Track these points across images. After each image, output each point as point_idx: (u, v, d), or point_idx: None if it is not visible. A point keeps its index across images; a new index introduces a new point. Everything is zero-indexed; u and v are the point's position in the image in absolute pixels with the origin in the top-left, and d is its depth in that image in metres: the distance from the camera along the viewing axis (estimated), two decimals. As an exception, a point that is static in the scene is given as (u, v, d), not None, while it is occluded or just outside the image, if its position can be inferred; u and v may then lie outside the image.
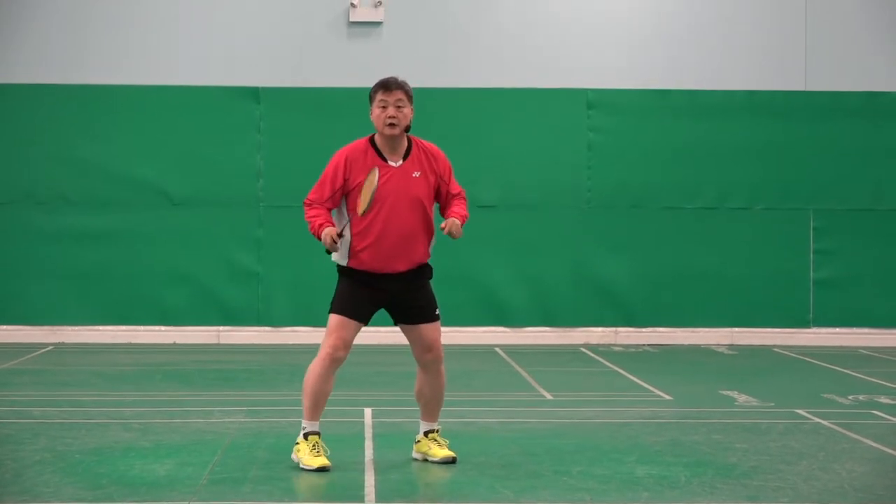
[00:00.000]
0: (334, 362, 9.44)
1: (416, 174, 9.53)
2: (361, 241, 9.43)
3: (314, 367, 9.49)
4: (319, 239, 9.35)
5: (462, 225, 9.57)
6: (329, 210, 9.51)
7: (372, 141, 9.63)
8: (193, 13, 18.76)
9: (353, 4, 18.75)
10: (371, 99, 9.64)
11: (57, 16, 18.62)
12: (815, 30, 19.05)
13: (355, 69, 18.67)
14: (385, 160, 9.50)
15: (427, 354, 9.66)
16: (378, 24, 18.88)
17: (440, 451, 9.80)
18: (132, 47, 18.71)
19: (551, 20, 18.97)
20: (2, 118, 18.56)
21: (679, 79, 18.98)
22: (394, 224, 9.42)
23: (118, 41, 18.70)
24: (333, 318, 9.49)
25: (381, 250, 9.42)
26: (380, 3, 18.79)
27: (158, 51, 18.73)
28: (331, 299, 9.53)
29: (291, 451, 9.61)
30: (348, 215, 9.49)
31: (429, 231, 9.62)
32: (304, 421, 9.53)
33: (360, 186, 9.36)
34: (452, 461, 9.76)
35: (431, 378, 9.74)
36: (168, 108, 18.63)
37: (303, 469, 9.38)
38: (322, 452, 9.43)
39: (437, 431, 9.90)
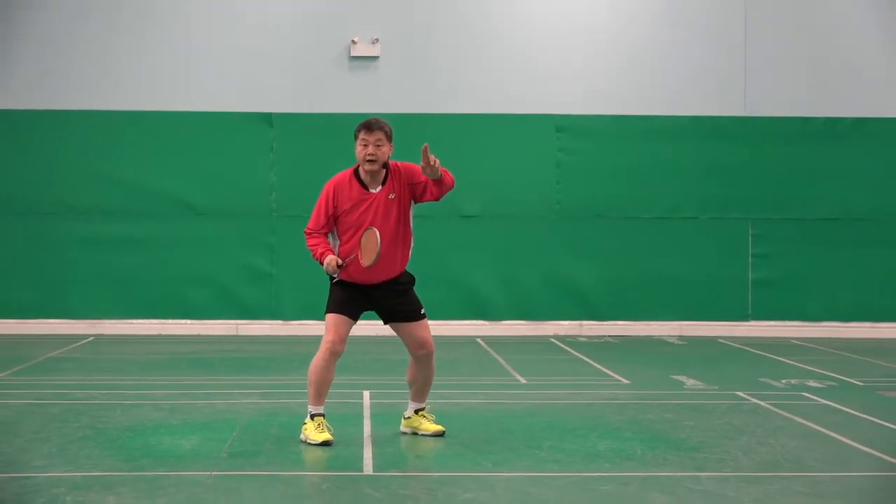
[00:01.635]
0: (333, 355, 9.53)
1: (392, 196, 9.63)
2: (351, 260, 9.53)
3: (317, 361, 9.55)
4: (322, 265, 9.41)
5: (443, 188, 9.64)
6: (326, 235, 9.63)
7: (356, 172, 9.72)
8: (216, 48, 18.74)
9: (353, 41, 18.76)
10: (355, 136, 9.68)
11: (91, 48, 18.59)
12: (753, 63, 19.08)
13: (355, 97, 18.71)
14: (366, 188, 9.60)
15: (420, 350, 9.75)
16: (375, 58, 18.88)
17: (431, 426, 9.95)
18: (161, 78, 18.66)
19: (525, 57, 18.97)
20: (47, 140, 18.51)
21: (635, 106, 18.99)
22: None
23: (147, 72, 18.66)
24: (330, 317, 9.59)
25: (364, 268, 9.51)
26: (377, 40, 18.80)
27: (185, 81, 18.69)
28: (326, 302, 9.63)
29: (300, 429, 9.63)
30: (339, 238, 9.64)
31: (406, 244, 9.74)
32: (310, 406, 9.60)
33: (345, 214, 9.54)
34: (442, 434, 9.88)
35: (424, 368, 9.85)
36: (192, 131, 18.61)
37: (309, 444, 9.43)
38: (326, 430, 9.49)
39: (426, 409, 10.01)
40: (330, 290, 9.70)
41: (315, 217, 9.66)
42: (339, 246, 9.62)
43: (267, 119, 18.65)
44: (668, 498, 7.82)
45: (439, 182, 9.57)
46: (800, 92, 19.07)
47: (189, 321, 18.57)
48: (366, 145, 9.57)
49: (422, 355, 9.76)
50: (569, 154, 18.88)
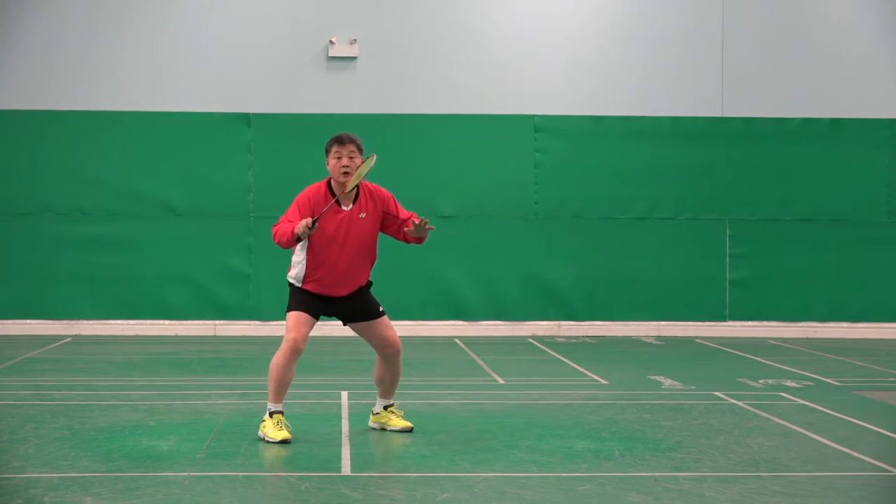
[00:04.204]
0: (295, 353, 9.61)
1: (363, 215, 9.76)
2: (315, 271, 9.68)
3: (279, 359, 9.64)
4: (297, 237, 9.49)
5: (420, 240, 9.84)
6: None
7: (329, 185, 9.80)
8: (194, 49, 18.71)
9: (331, 42, 18.74)
10: (327, 151, 9.78)
11: (70, 49, 18.54)
12: (730, 65, 19.13)
13: (333, 98, 18.70)
14: (339, 204, 9.69)
15: (388, 349, 9.89)
16: (353, 59, 18.86)
17: (400, 422, 10.09)
18: (139, 78, 18.63)
19: (503, 57, 18.98)
20: (23, 141, 18.46)
21: (613, 107, 19.02)
22: (343, 260, 9.68)
23: (125, 72, 18.63)
24: (293, 315, 9.68)
25: (328, 280, 9.68)
26: (355, 41, 18.78)
27: (163, 81, 18.67)
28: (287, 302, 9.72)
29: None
30: (306, 251, 9.71)
31: (372, 261, 9.91)
32: (269, 403, 9.67)
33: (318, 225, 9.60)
34: (410, 430, 10.01)
35: (392, 366, 9.98)
36: (170, 132, 18.57)
37: (267, 441, 9.51)
38: (284, 427, 9.57)
39: (395, 405, 10.17)
40: (291, 292, 9.79)
41: (287, 215, 9.75)
42: (307, 259, 9.64)
43: (245, 119, 18.62)
44: (645, 498, 7.83)
45: (419, 240, 9.79)
46: (776, 93, 19.13)
47: (167, 322, 18.53)
48: (339, 157, 9.67)
49: (390, 353, 9.87)
50: (547, 154, 18.90)
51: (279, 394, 9.64)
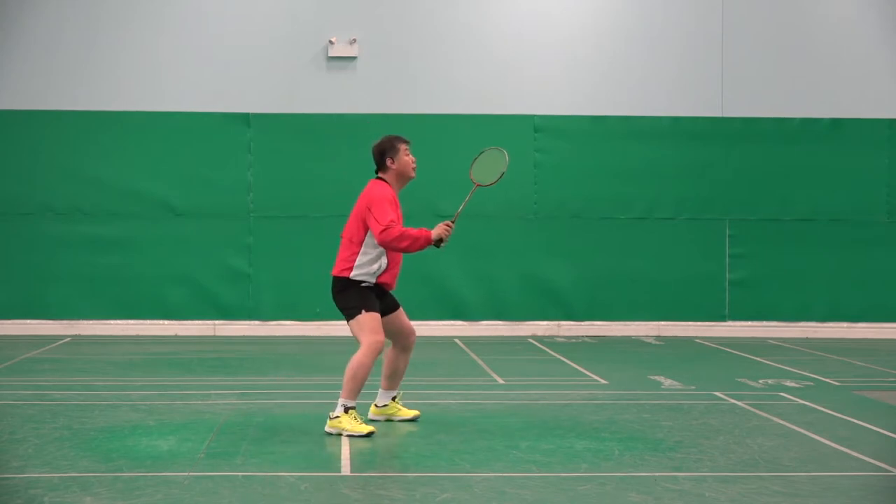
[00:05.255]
0: (379, 354, 9.91)
1: None
2: (394, 266, 10.06)
3: (365, 358, 9.81)
4: (431, 243, 9.85)
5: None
6: None
7: (384, 182, 10.14)
8: (194, 49, 18.71)
9: (331, 42, 18.74)
10: (394, 148, 10.11)
11: (70, 49, 18.54)
12: (730, 65, 19.13)
13: (333, 97, 18.71)
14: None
15: (412, 336, 10.34)
16: (353, 58, 18.86)
17: (408, 412, 10.50)
18: (139, 78, 18.64)
19: (503, 57, 18.99)
20: (23, 141, 18.46)
21: (613, 107, 19.03)
22: (400, 254, 10.12)
23: (125, 72, 18.63)
24: (372, 318, 9.98)
25: (395, 271, 10.11)
26: (354, 41, 18.78)
27: (163, 81, 18.67)
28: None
29: (276, 430, 9.65)
30: (374, 248, 9.97)
31: None
32: (345, 399, 9.85)
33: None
34: (417, 418, 10.50)
35: (406, 356, 10.40)
36: (170, 132, 18.58)
37: (350, 436, 9.72)
38: (363, 420, 9.99)
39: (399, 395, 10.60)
40: (357, 291, 9.93)
41: (386, 212, 9.86)
42: (387, 254, 9.94)
43: (245, 119, 18.62)
44: (645, 498, 7.83)
45: None
46: (776, 93, 19.13)
47: (166, 322, 18.53)
48: (409, 153, 10.19)
49: (411, 342, 10.35)
50: (546, 154, 18.90)
51: (358, 391, 9.88)
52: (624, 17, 19.18)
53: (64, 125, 18.48)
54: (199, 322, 18.56)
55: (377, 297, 9.97)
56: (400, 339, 10.26)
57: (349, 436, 9.70)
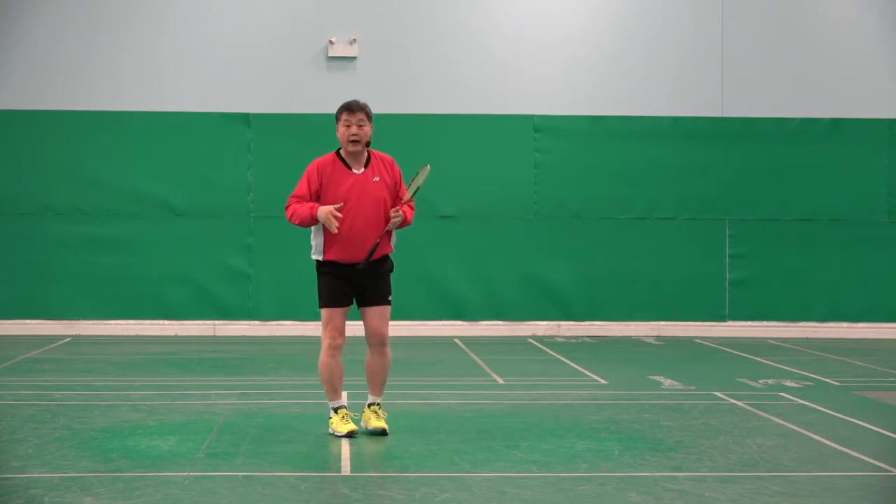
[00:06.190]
0: (336, 349, 9.75)
1: (377, 179, 9.88)
2: (333, 238, 9.64)
3: (323, 358, 9.76)
4: (317, 221, 9.57)
5: (403, 226, 9.92)
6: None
7: (338, 153, 9.94)
8: (194, 49, 18.71)
9: (331, 42, 18.74)
10: (337, 119, 9.98)
11: (70, 49, 18.54)
12: (730, 65, 19.13)
13: (333, 98, 18.48)
14: (350, 168, 9.79)
15: (373, 338, 9.88)
16: (353, 58, 18.87)
17: (376, 423, 9.93)
18: (139, 78, 18.64)
19: (503, 57, 18.99)
20: (23, 141, 18.46)
21: (613, 107, 19.02)
22: (358, 221, 9.66)
23: (125, 72, 18.63)
24: (325, 312, 9.78)
25: (348, 244, 9.63)
26: (354, 41, 18.78)
27: (163, 81, 18.67)
28: (317, 297, 9.77)
29: (276, 430, 9.67)
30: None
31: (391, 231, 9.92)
32: (329, 402, 9.81)
33: (329, 193, 9.71)
34: (382, 433, 9.85)
35: (377, 359, 9.94)
36: (170, 132, 18.57)
37: (336, 435, 9.68)
38: (351, 420, 9.77)
39: (380, 405, 10.05)
40: (318, 284, 9.78)
41: (297, 189, 9.79)
42: (317, 231, 9.69)
43: (245, 119, 18.62)
44: (645, 498, 7.83)
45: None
46: (776, 93, 19.13)
47: (166, 322, 18.53)
48: (349, 125, 9.85)
49: (374, 343, 9.88)
50: (546, 154, 18.90)
51: (335, 391, 9.77)
52: (624, 17, 19.18)
53: (64, 125, 18.49)
54: (199, 322, 18.56)
55: (348, 282, 9.70)
56: (367, 337, 9.92)
57: (337, 436, 9.67)
